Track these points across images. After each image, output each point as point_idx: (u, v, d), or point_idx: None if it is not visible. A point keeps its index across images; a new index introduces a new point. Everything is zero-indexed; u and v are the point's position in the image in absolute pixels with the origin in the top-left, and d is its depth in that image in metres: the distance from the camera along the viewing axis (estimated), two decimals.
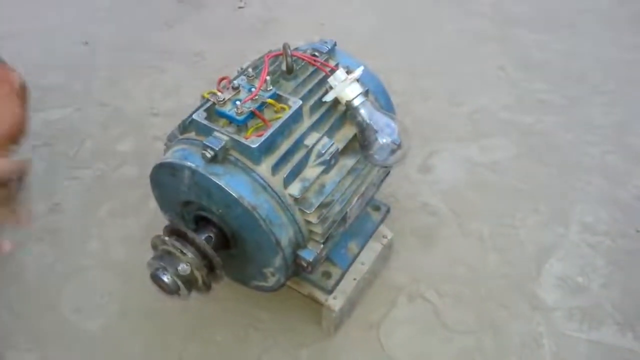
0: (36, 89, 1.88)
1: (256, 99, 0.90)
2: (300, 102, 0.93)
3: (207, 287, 0.89)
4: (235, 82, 0.93)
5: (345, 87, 0.94)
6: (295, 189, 0.90)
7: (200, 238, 0.88)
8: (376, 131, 0.95)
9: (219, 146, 0.85)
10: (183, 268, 0.84)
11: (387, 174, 1.16)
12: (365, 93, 0.97)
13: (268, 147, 0.88)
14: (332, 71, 0.98)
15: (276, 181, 0.89)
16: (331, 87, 0.96)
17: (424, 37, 2.09)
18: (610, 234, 1.39)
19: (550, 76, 1.88)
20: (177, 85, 1.88)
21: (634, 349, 1.18)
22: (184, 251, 0.85)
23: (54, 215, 1.45)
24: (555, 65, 1.92)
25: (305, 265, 0.94)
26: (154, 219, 1.37)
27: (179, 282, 0.85)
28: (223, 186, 0.86)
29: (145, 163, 1.00)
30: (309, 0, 2.31)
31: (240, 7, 2.29)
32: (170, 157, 0.93)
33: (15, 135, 0.76)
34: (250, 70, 0.95)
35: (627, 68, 1.90)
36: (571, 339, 1.20)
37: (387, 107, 1.13)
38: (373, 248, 1.21)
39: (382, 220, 1.23)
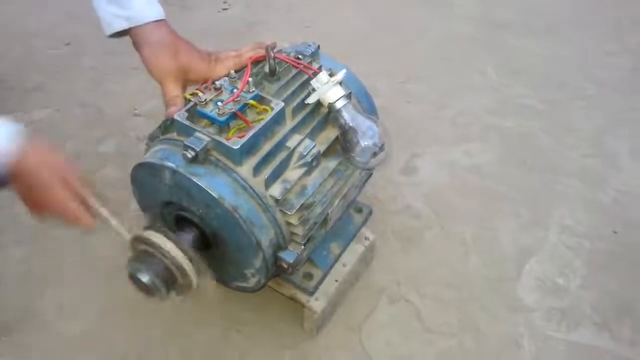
0: (17, 89, 1.88)
1: (238, 100, 0.90)
2: (283, 104, 0.93)
3: (187, 288, 0.89)
4: (217, 83, 0.92)
5: (328, 89, 0.95)
6: (276, 190, 0.90)
7: (181, 239, 0.88)
8: (358, 133, 0.96)
9: (200, 147, 0.85)
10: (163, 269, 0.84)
11: (370, 176, 1.17)
12: (348, 96, 0.98)
13: (249, 148, 0.88)
14: (315, 74, 0.98)
15: (257, 182, 0.89)
16: (314, 90, 0.96)
17: (408, 40, 2.10)
18: (589, 236, 1.41)
19: (532, 81, 1.90)
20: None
21: (610, 349, 1.19)
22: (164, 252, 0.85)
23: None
24: (538, 70, 1.95)
25: (285, 266, 0.94)
26: (135, 220, 1.35)
27: (158, 283, 0.84)
28: (203, 187, 0.86)
29: (127, 164, 0.99)
30: (294, 3, 2.31)
31: (224, 9, 2.29)
32: (151, 157, 0.92)
33: None
34: (232, 71, 0.95)
35: (607, 73, 1.93)
36: (550, 340, 1.21)
37: (369, 110, 1.13)
38: (355, 250, 1.21)
39: (364, 222, 1.24)
